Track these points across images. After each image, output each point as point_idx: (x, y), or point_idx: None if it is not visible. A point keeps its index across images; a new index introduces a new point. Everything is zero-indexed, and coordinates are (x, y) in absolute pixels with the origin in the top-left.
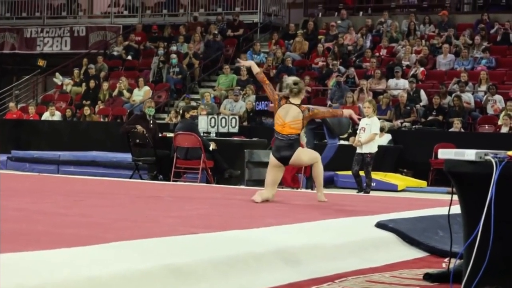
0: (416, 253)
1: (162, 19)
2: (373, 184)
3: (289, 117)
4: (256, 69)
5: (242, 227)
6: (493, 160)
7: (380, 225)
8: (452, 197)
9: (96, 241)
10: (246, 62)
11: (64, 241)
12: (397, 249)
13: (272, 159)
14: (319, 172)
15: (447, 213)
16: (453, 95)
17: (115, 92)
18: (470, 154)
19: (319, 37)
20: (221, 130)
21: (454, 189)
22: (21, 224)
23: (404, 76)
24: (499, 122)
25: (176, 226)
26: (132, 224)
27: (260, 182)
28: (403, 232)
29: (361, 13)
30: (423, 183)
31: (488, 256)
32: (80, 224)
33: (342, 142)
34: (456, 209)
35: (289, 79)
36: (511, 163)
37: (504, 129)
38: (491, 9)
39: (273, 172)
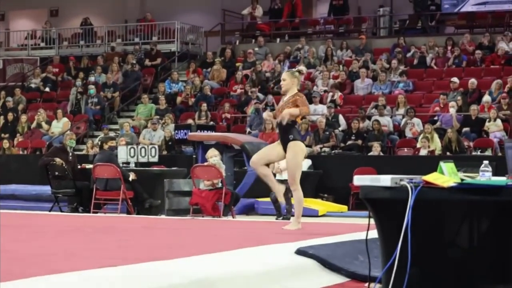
0: (337, 279)
1: (79, 50)
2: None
3: None
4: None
5: (161, 258)
6: (408, 186)
7: (300, 252)
8: (369, 222)
9: (14, 277)
10: (287, 116)
11: None
12: (318, 276)
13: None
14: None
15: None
16: (372, 119)
17: (34, 125)
18: (385, 180)
19: (237, 64)
20: (141, 160)
21: (371, 214)
22: None
23: (322, 101)
24: (418, 145)
25: (95, 259)
26: (50, 258)
27: (180, 212)
28: (323, 258)
29: (278, 39)
30: (344, 208)
31: (406, 281)
32: None
33: None
34: (376, 233)
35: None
36: (426, 188)
37: (423, 152)
38: (407, 32)
39: None
